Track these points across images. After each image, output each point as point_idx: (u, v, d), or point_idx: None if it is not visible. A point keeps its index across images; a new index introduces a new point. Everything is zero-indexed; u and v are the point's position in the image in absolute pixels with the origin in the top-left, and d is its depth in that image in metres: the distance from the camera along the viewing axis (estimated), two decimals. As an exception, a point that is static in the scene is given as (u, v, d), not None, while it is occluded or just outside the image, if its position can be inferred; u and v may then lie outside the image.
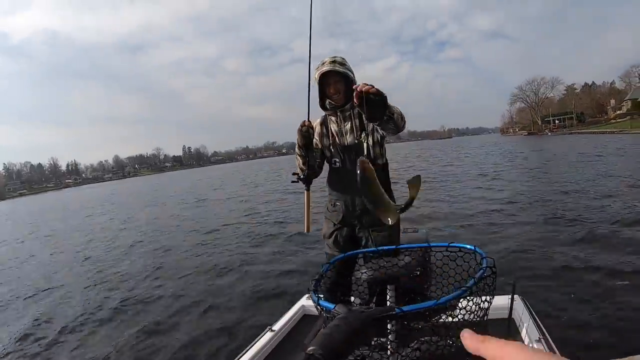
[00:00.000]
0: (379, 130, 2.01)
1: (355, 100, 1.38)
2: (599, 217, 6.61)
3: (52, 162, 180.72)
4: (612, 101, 72.50)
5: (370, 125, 2.05)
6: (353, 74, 2.07)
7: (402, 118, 1.81)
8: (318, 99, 2.14)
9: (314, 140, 2.19)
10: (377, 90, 1.40)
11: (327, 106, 2.14)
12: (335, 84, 2.06)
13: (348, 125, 2.12)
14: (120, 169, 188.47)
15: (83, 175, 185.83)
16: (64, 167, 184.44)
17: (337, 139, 2.15)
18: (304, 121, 2.06)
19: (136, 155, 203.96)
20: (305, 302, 2.79)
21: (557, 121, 77.18)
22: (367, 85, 1.38)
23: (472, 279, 1.05)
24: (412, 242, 2.68)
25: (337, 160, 2.16)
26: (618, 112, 65.98)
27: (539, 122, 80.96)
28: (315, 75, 2.05)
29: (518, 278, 4.17)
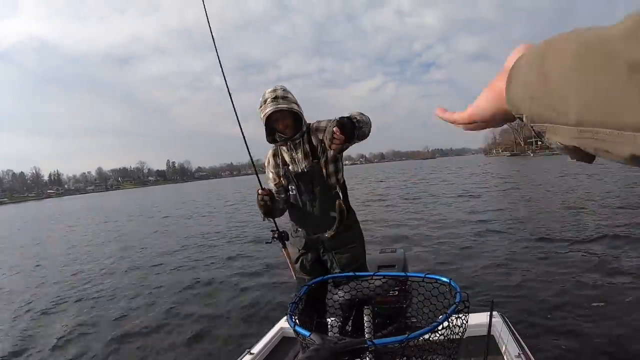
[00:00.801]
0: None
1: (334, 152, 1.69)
2: (575, 234, 6.80)
3: (34, 171, 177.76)
4: (595, 121, 74.53)
5: (320, 149, 2.09)
6: (297, 104, 2.04)
7: (363, 114, 1.89)
8: (266, 135, 2.12)
9: (271, 174, 2.21)
10: (341, 135, 1.63)
11: (277, 138, 2.13)
12: (284, 120, 2.03)
13: (300, 153, 2.11)
14: (103, 182, 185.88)
15: (65, 186, 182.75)
16: (46, 177, 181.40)
17: (290, 167, 2.16)
18: (258, 190, 2.02)
19: (120, 168, 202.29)
20: (284, 324, 2.70)
21: (539, 142, 78.87)
22: (333, 142, 1.64)
23: (445, 314, 1.08)
24: (390, 262, 2.69)
25: (293, 187, 2.15)
26: (601, 132, 67.87)
27: (522, 144, 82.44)
28: (261, 117, 2.00)
29: (497, 295, 4.24)
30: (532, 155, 67.61)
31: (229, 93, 2.20)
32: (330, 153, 1.76)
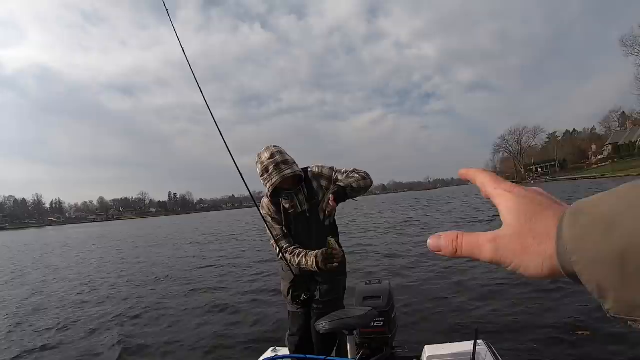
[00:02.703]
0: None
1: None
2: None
3: (36, 198, 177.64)
4: (594, 146, 74.14)
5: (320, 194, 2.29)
6: (295, 162, 2.20)
7: (364, 178, 2.16)
8: (270, 195, 2.26)
9: (275, 222, 2.33)
10: (334, 201, 2.00)
11: (282, 194, 2.25)
12: (288, 182, 2.17)
13: (301, 197, 2.27)
14: (105, 211, 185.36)
15: (67, 214, 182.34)
16: (47, 205, 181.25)
17: (291, 211, 2.30)
18: (334, 249, 2.06)
19: (121, 198, 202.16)
20: (270, 354, 2.71)
21: (539, 169, 78.83)
22: (329, 202, 1.99)
23: None
24: (376, 294, 2.81)
25: (291, 227, 2.34)
26: (599, 156, 67.99)
27: (522, 171, 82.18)
28: (267, 186, 2.15)
29: (486, 322, 4.26)
30: (532, 182, 67.63)
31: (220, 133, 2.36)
32: (324, 214, 2.15)
